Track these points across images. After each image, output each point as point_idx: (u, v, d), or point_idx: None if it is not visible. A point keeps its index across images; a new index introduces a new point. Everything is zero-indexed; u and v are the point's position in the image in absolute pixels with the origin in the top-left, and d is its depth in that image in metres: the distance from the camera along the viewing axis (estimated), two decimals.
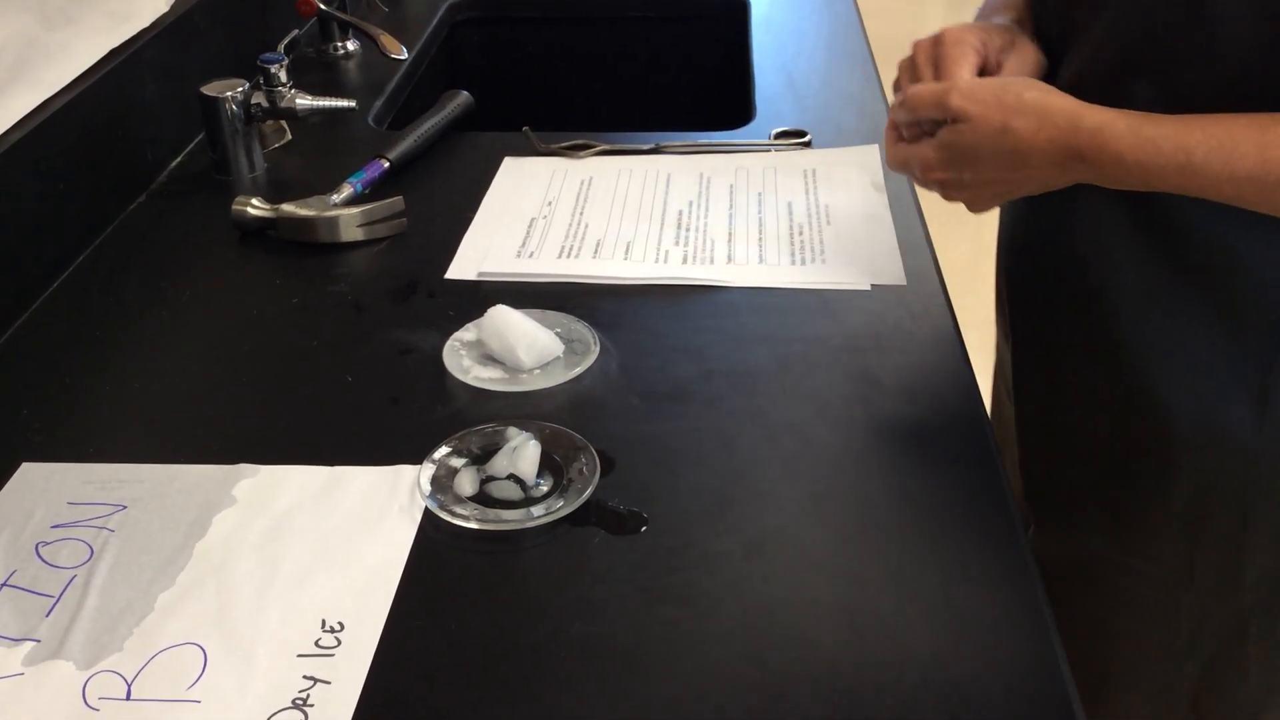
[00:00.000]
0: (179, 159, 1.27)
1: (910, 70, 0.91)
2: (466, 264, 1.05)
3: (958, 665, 0.65)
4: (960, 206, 0.89)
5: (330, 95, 1.30)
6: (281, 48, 1.32)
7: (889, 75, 1.50)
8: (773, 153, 1.24)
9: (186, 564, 0.74)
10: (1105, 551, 0.96)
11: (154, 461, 0.83)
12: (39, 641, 0.69)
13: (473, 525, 0.75)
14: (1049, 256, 0.93)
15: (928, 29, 0.93)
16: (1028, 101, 0.81)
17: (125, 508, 0.79)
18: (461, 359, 0.91)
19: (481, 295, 1.01)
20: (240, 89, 1.21)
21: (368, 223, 1.10)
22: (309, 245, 1.09)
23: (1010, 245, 1.01)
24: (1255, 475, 0.87)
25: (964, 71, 0.87)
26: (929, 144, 0.86)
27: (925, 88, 0.86)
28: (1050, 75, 0.88)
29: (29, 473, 0.82)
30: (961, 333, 0.94)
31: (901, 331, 0.94)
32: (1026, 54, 0.90)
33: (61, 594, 0.72)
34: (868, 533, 0.74)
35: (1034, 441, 1.02)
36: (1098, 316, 0.90)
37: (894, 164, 0.91)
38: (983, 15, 0.96)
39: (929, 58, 0.90)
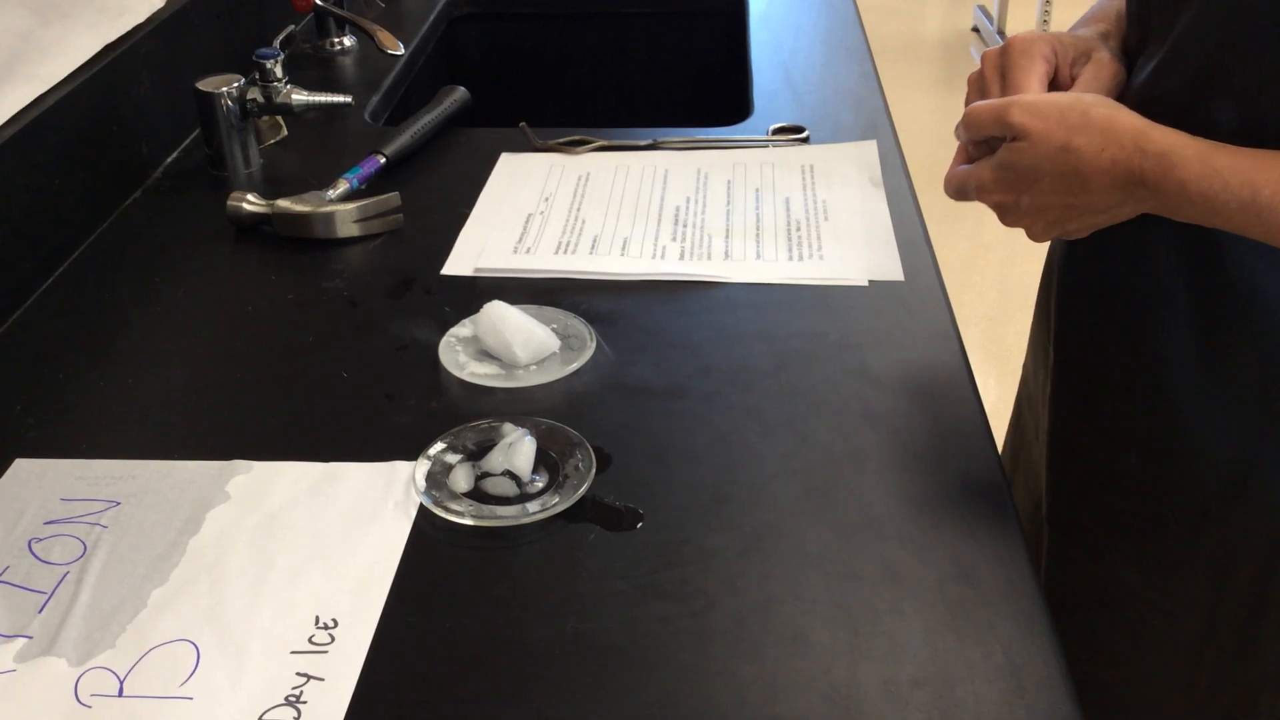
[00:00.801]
0: (174, 155, 1.27)
1: (978, 84, 0.84)
2: (463, 260, 1.05)
3: (954, 664, 0.65)
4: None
5: (326, 91, 1.29)
6: (277, 43, 1.31)
7: (887, 71, 1.50)
8: (770, 149, 1.23)
9: (180, 560, 0.74)
10: (1133, 583, 0.92)
11: (148, 458, 0.82)
12: (31, 638, 0.68)
13: (468, 521, 0.74)
14: (1105, 282, 0.89)
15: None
16: (1094, 119, 0.74)
17: (119, 504, 0.79)
18: (457, 355, 0.91)
19: (478, 291, 1.01)
20: (236, 84, 1.21)
21: (363, 218, 1.10)
22: (304, 241, 1.09)
23: (1067, 262, 0.95)
24: None
25: (1031, 83, 0.81)
26: (987, 163, 0.79)
27: (986, 104, 0.79)
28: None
29: (22, 469, 0.82)
30: (959, 329, 0.93)
31: (899, 328, 0.94)
32: (1104, 67, 0.83)
33: (54, 590, 0.72)
34: (864, 530, 0.74)
35: (1064, 464, 0.98)
36: (1145, 350, 0.86)
37: (950, 188, 0.83)
38: (1074, 29, 0.90)
39: (996, 69, 0.83)
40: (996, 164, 0.79)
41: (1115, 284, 0.88)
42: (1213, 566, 0.87)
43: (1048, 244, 0.94)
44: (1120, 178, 0.74)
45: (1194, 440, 0.85)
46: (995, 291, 2.64)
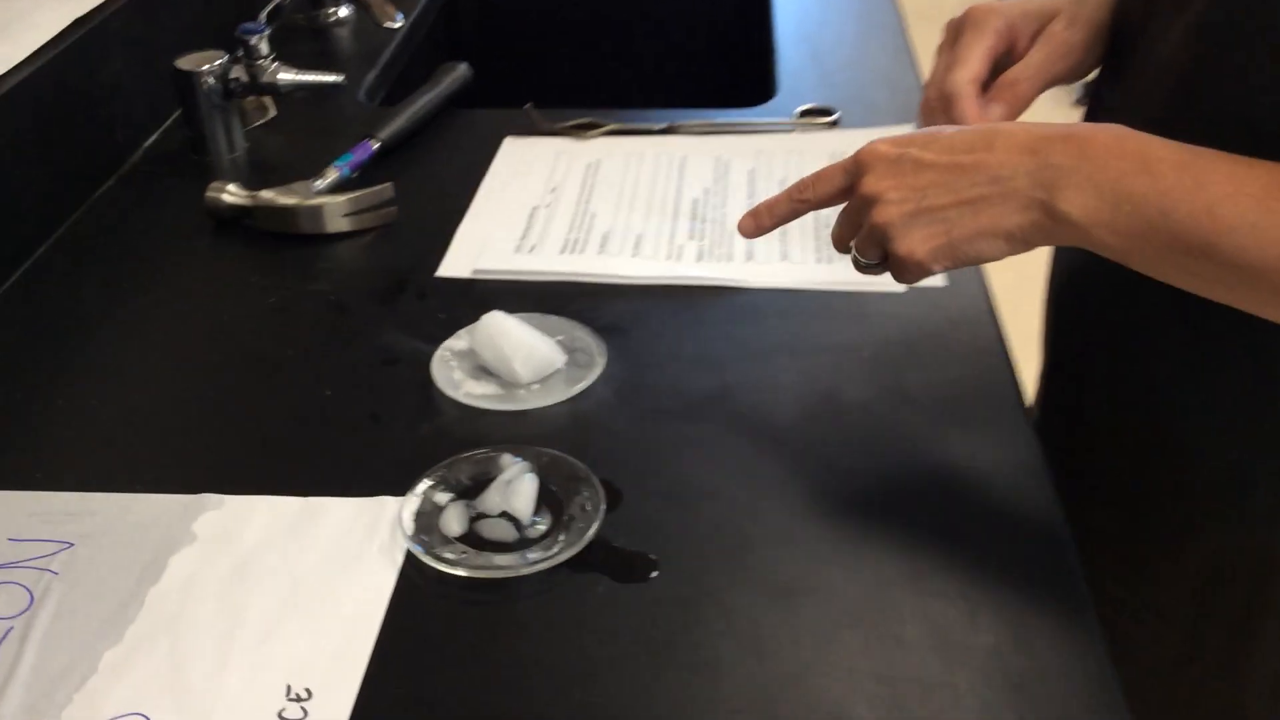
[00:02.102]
0: (153, 138, 1.18)
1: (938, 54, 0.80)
2: (460, 260, 0.96)
3: None
4: None
5: (317, 69, 1.20)
6: (264, 16, 1.22)
7: (923, 46, 1.40)
8: (796, 133, 1.14)
9: (137, 615, 0.65)
10: (1115, 595, 0.86)
11: (109, 489, 0.74)
12: None
13: (460, 572, 0.66)
14: (1099, 283, 0.82)
15: None
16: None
17: (72, 545, 0.70)
18: (452, 371, 0.82)
19: (476, 295, 0.92)
20: (218, 62, 1.11)
21: (354, 212, 1.01)
22: (289, 236, 1.00)
23: (1061, 265, 0.89)
24: (1270, 563, 0.77)
25: (973, 57, 0.77)
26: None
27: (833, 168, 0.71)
28: (1110, 80, 0.78)
29: None
30: (1007, 345, 0.85)
31: (940, 341, 0.85)
32: (1053, 43, 0.77)
33: None
34: (906, 583, 0.66)
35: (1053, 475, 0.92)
36: (1138, 355, 0.80)
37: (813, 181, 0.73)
38: None
39: (950, 39, 0.80)
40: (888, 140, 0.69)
41: (1103, 286, 0.82)
42: (1198, 580, 0.81)
43: None
44: (1033, 138, 0.62)
45: (1182, 449, 0.79)
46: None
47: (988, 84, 0.79)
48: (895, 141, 0.68)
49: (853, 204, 0.70)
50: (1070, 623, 0.63)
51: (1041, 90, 0.79)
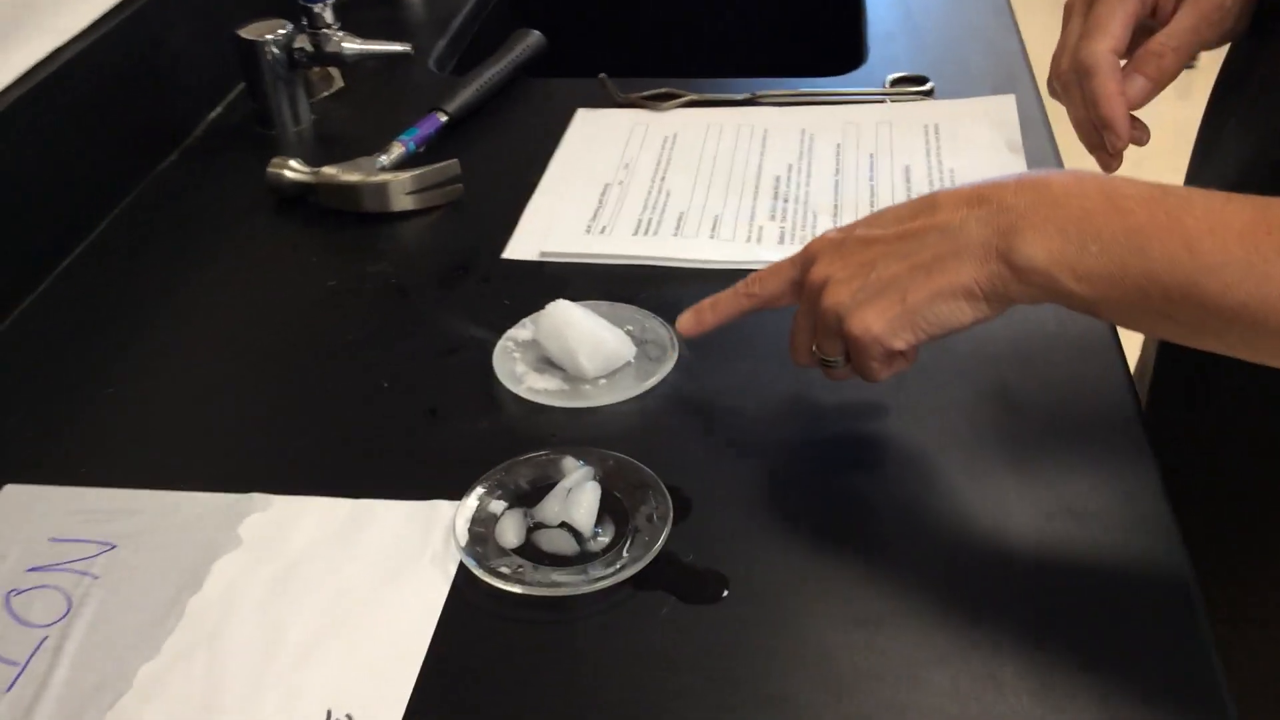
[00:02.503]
0: (217, 110, 1.14)
1: (1065, 17, 0.73)
2: (527, 241, 0.91)
3: None
4: None
5: (385, 37, 1.15)
6: None
7: (1024, 9, 1.30)
8: (888, 104, 1.06)
9: (176, 626, 0.62)
10: (1231, 597, 0.79)
11: (154, 485, 0.71)
12: None
13: (515, 589, 0.61)
14: None
15: None
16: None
17: (114, 547, 0.67)
18: (515, 364, 0.77)
19: (544, 278, 0.87)
20: (282, 31, 1.07)
21: (419, 190, 0.96)
22: (352, 215, 0.96)
23: None
24: None
25: (1114, 25, 0.69)
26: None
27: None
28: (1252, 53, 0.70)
29: (11, 496, 0.71)
30: (1120, 340, 0.77)
31: (1045, 336, 0.78)
32: (1205, 8, 0.70)
33: (28, 661, 0.61)
34: (1007, 616, 0.59)
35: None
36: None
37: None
38: None
39: (1083, 3, 0.71)
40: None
41: None
42: None
43: None
44: (982, 186, 0.58)
45: None
46: None
47: (1128, 52, 0.71)
48: (841, 228, 0.64)
49: (806, 298, 0.65)
50: (1190, 673, 0.56)
51: (1189, 59, 0.71)
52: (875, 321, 0.60)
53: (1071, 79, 0.71)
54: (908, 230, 0.60)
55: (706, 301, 0.71)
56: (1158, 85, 0.70)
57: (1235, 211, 0.51)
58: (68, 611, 0.63)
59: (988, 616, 0.59)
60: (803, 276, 0.65)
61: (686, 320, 0.72)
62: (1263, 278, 0.50)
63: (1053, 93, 0.74)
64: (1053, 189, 0.55)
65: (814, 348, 0.66)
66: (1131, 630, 0.58)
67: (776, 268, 0.68)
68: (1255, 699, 0.79)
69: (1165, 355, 0.88)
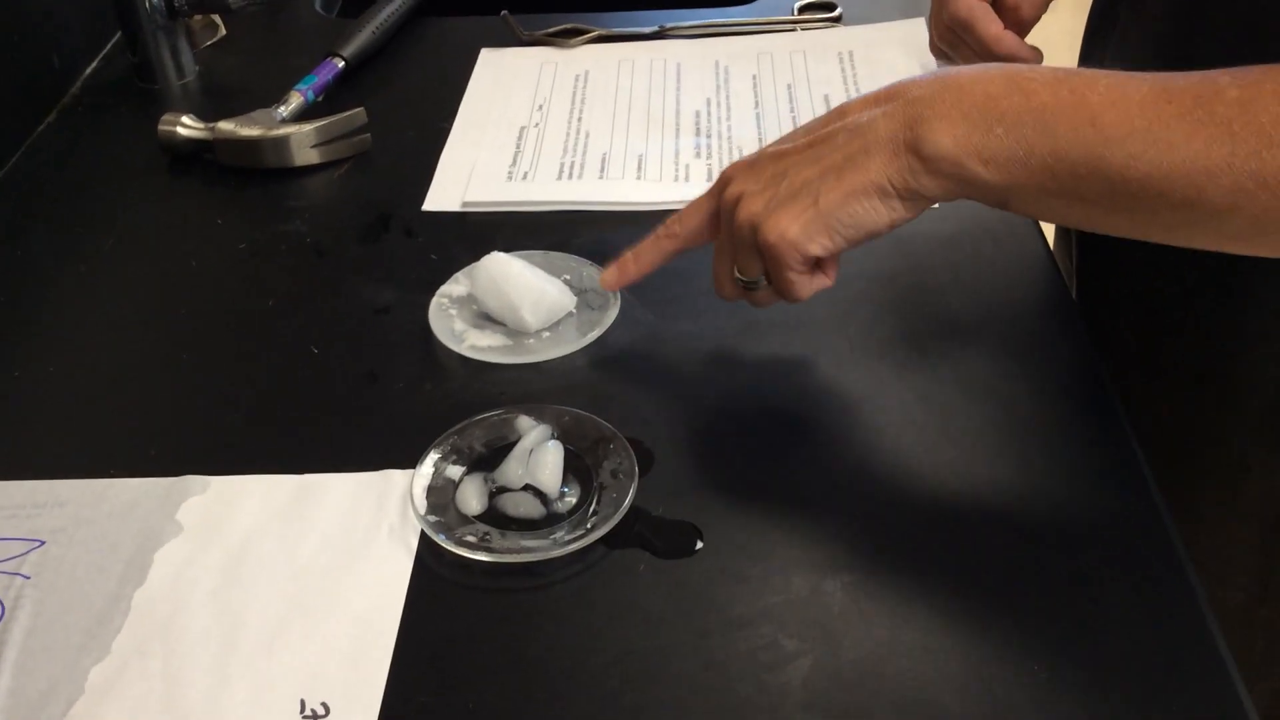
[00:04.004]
0: (94, 65, 1.07)
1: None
2: (447, 191, 0.87)
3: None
4: None
5: None
6: None
7: None
8: (799, 32, 1.05)
9: (124, 623, 0.58)
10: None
11: (78, 474, 0.66)
12: None
13: (484, 557, 0.59)
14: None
15: None
16: None
17: (43, 543, 0.63)
18: (452, 321, 0.74)
19: (469, 230, 0.83)
20: None
21: (324, 141, 0.91)
22: (254, 171, 0.91)
23: None
24: None
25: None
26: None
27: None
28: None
29: None
30: (1056, 260, 0.78)
31: (983, 260, 0.78)
32: None
33: None
34: (984, 545, 0.59)
35: None
36: (1169, 272, 0.75)
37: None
38: None
39: None
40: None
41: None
42: (1257, 523, 0.77)
43: None
44: (887, 86, 0.58)
45: (1226, 381, 0.74)
46: None
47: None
48: (754, 152, 0.64)
49: (723, 222, 0.63)
50: (1172, 610, 0.57)
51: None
52: (789, 226, 0.59)
53: (952, 37, 0.71)
54: (818, 137, 0.59)
55: (629, 253, 0.69)
56: (1032, 20, 0.73)
57: (1136, 85, 0.52)
58: (1, 616, 0.59)
59: (967, 547, 0.59)
60: (716, 207, 0.64)
61: (610, 276, 0.70)
62: (1166, 146, 0.50)
63: (939, 55, 0.74)
64: (958, 79, 0.55)
65: (734, 272, 0.64)
66: (1102, 549, 0.59)
67: (695, 204, 0.67)
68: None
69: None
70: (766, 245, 0.60)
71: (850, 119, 0.58)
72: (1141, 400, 0.78)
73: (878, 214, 0.57)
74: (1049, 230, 0.84)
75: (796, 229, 0.58)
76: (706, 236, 0.66)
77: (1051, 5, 0.77)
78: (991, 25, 0.71)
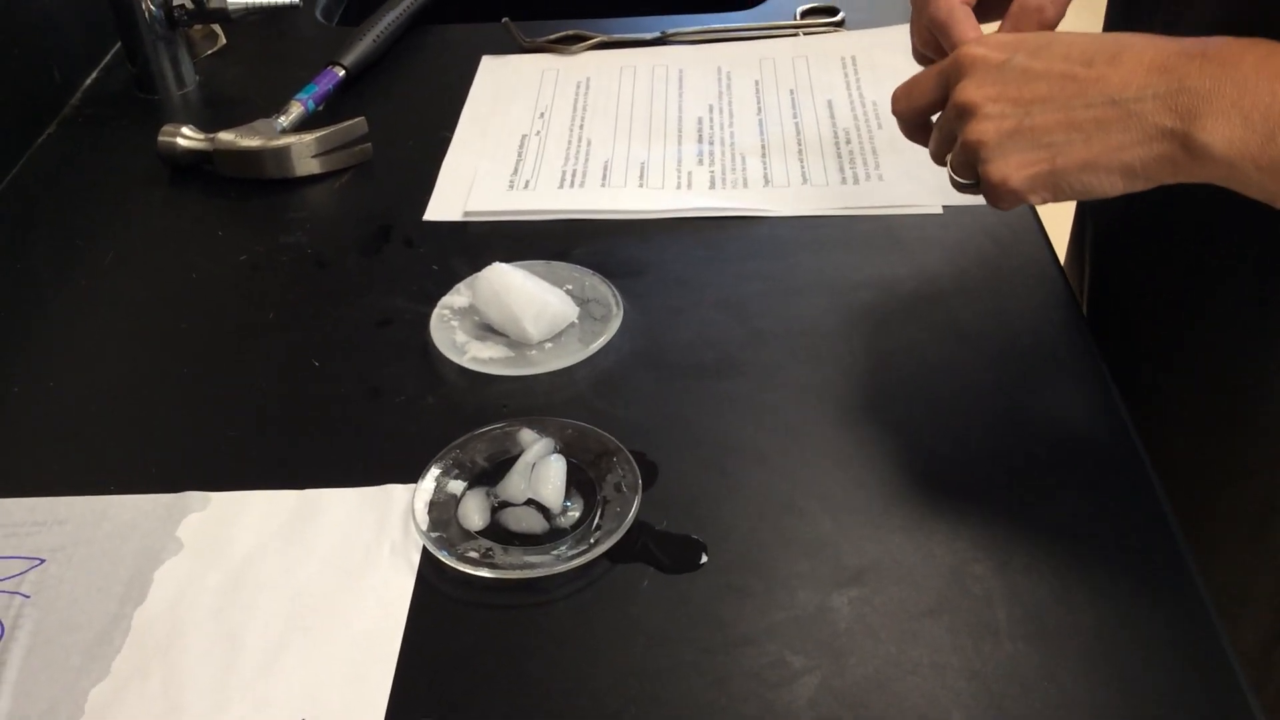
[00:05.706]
0: (93, 75, 1.07)
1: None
2: (448, 201, 0.86)
3: None
4: None
5: None
6: None
7: None
8: (801, 36, 1.04)
9: (124, 643, 0.58)
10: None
11: (76, 492, 0.66)
12: None
13: (486, 574, 0.58)
14: (1143, 223, 0.75)
15: None
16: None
17: (43, 562, 0.62)
18: (454, 333, 0.73)
19: (470, 240, 0.83)
20: None
21: (325, 151, 0.91)
22: (255, 183, 0.90)
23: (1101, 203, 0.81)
24: None
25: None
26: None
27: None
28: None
29: None
30: (1062, 266, 0.77)
31: (988, 266, 0.77)
32: None
33: None
34: (993, 560, 0.59)
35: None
36: (1194, 307, 0.73)
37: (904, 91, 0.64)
38: None
39: None
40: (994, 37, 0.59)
41: (1155, 222, 0.74)
42: (1251, 521, 0.76)
43: None
44: (1167, 53, 0.53)
45: (1254, 419, 0.72)
46: None
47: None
48: (1001, 43, 0.58)
49: (947, 114, 0.60)
50: (1172, 596, 0.56)
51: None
52: (1015, 174, 0.56)
53: (934, 41, 0.66)
54: (1077, 76, 0.55)
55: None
56: (1057, 21, 0.66)
57: None
58: (1, 636, 0.58)
59: (975, 563, 0.58)
60: (947, 92, 0.60)
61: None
62: None
63: (923, 62, 0.69)
64: (1242, 70, 0.51)
65: (949, 161, 0.61)
66: (1096, 537, 0.58)
67: (920, 81, 0.62)
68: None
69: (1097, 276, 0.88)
70: (986, 179, 0.57)
71: (1117, 79, 0.53)
72: (1158, 434, 0.76)
73: (1110, 187, 0.55)
74: (1060, 247, 0.83)
75: (1021, 179, 0.56)
76: (929, 116, 0.63)
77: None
78: (970, 30, 0.64)
